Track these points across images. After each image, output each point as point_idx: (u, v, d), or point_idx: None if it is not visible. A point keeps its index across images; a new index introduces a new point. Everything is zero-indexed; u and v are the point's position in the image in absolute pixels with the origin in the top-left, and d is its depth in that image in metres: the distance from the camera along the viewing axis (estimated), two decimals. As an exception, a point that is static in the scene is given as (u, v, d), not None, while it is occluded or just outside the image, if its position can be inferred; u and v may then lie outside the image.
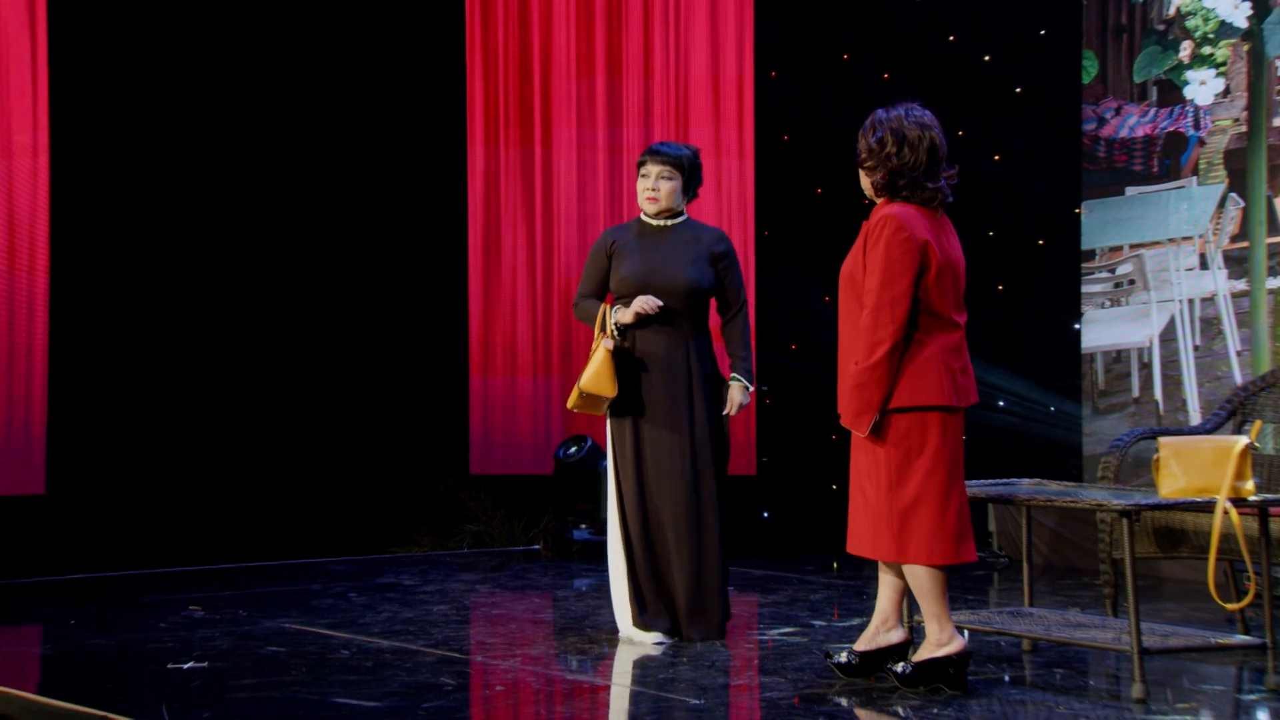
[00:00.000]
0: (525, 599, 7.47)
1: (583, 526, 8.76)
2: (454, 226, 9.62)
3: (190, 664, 5.64)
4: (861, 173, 5.16)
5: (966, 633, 5.23)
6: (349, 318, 9.48)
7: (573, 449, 8.99)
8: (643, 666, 5.65)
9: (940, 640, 5.03)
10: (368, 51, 9.50)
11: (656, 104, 9.51)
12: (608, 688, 5.48)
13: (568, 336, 9.54)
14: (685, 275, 6.02)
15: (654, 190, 6.06)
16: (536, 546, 8.97)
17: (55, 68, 8.21)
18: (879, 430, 4.99)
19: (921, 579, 5.01)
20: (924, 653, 5.08)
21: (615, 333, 6.04)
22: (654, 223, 6.12)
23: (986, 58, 8.94)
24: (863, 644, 5.24)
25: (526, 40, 9.61)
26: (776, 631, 6.22)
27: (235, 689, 5.25)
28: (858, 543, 5.12)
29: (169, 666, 5.61)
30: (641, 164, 6.10)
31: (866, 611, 6.93)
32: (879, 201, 5.13)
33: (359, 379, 9.53)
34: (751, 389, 6.12)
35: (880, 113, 5.14)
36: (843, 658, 5.24)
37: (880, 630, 5.23)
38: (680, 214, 6.13)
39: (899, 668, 5.11)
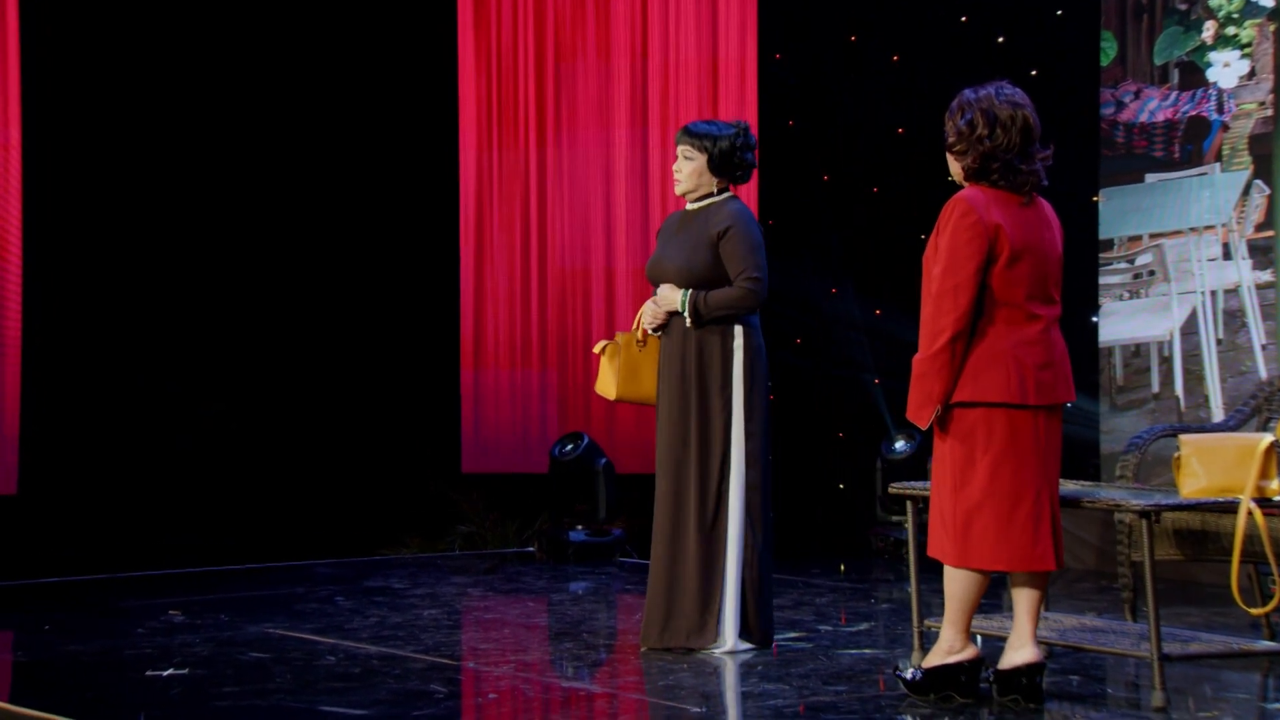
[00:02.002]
0: (519, 603, 7.47)
1: (579, 528, 8.77)
2: (444, 217, 9.62)
3: (170, 671, 5.64)
4: (950, 157, 5.05)
5: (980, 639, 5.22)
6: (339, 310, 9.50)
7: (569, 446, 8.99)
8: (642, 673, 5.65)
9: (953, 646, 5.00)
10: (358, 43, 9.51)
11: (654, 88, 9.50)
12: (605, 695, 5.49)
13: (563, 329, 9.54)
14: (674, 265, 5.95)
15: (676, 170, 6.03)
16: (531, 548, 8.97)
17: (30, 48, 8.23)
18: (944, 425, 4.93)
19: (960, 584, 4.94)
20: (934, 658, 5.05)
21: (643, 330, 6.05)
22: (688, 206, 6.08)
23: (1000, 39, 8.93)
24: (931, 659, 5.10)
25: (519, 26, 9.60)
26: (781, 637, 6.21)
27: (216, 697, 5.26)
28: (931, 544, 5.03)
29: (148, 674, 5.61)
30: (675, 143, 6.07)
31: (874, 615, 6.93)
32: (965, 186, 5.03)
33: (347, 375, 9.54)
34: (684, 308, 5.84)
35: (968, 93, 5.02)
36: (908, 674, 5.08)
37: (1011, 647, 5.02)
38: (710, 195, 5.99)
39: (908, 673, 5.09)
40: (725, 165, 5.98)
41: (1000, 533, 4.87)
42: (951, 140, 5.01)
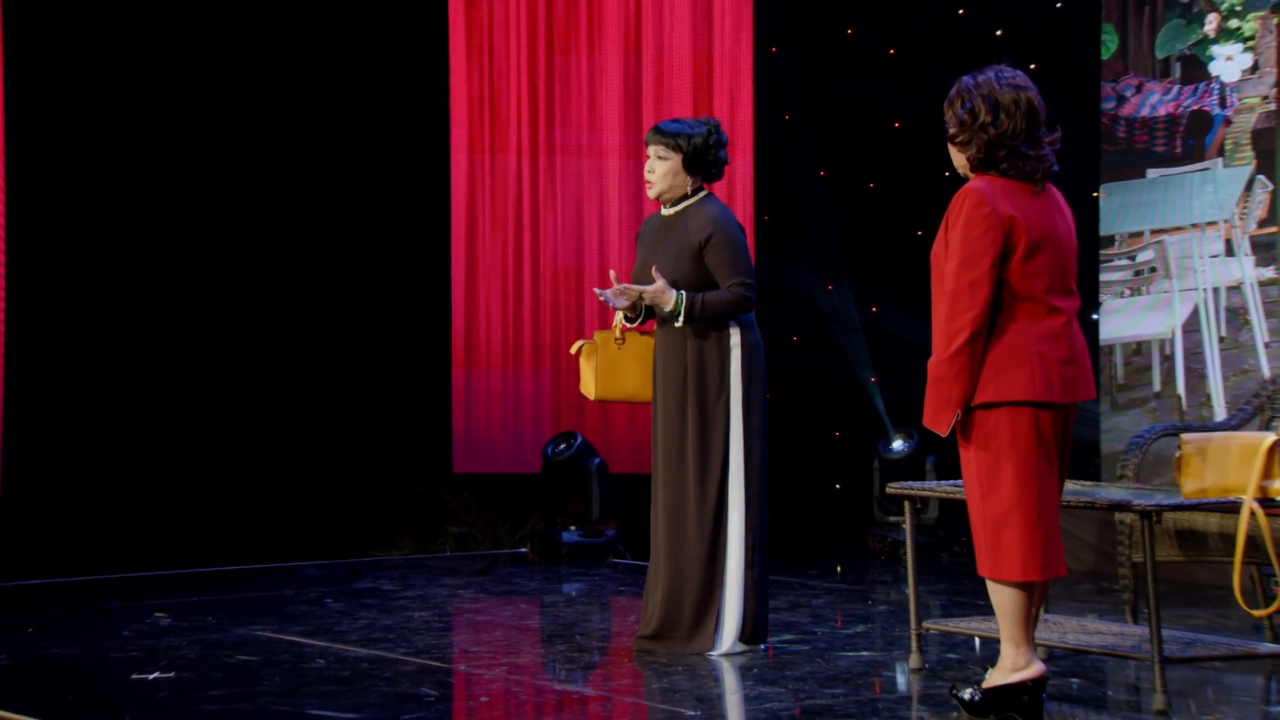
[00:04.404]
0: (511, 604, 7.47)
1: (572, 528, 8.77)
2: (436, 216, 9.62)
3: (156, 674, 5.64)
4: (953, 149, 4.83)
5: (1040, 652, 5.07)
6: (330, 310, 9.49)
7: (562, 446, 8.99)
8: (636, 676, 5.66)
9: (1016, 664, 4.78)
10: (349, 45, 9.50)
11: (647, 82, 9.50)
12: (599, 698, 5.49)
13: (556, 328, 9.54)
14: (662, 274, 5.93)
15: (649, 172, 6.00)
16: (523, 549, 8.98)
17: (13, 59, 8.24)
18: (965, 431, 4.72)
19: (1004, 596, 4.74)
20: (996, 677, 4.82)
21: (621, 326, 6.05)
22: (664, 211, 6.06)
23: (999, 32, 8.94)
24: (993, 678, 4.87)
25: (509, 22, 9.59)
26: (777, 639, 6.22)
27: (204, 700, 5.25)
28: (978, 559, 4.83)
29: (133, 677, 5.61)
30: (646, 144, 6.05)
31: (871, 617, 6.94)
32: (971, 178, 4.83)
33: (338, 375, 9.53)
34: (677, 309, 5.82)
35: (967, 79, 4.81)
36: (966, 694, 4.85)
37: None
38: (686, 197, 5.99)
39: (966, 694, 4.84)
40: (699, 163, 5.97)
41: (1029, 541, 4.67)
42: (953, 131, 4.80)
